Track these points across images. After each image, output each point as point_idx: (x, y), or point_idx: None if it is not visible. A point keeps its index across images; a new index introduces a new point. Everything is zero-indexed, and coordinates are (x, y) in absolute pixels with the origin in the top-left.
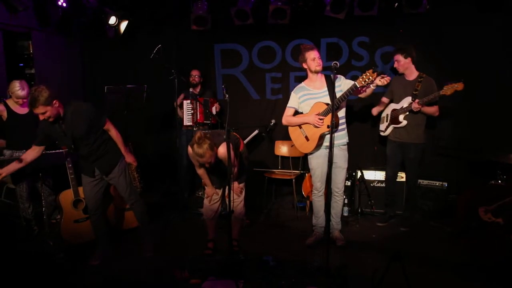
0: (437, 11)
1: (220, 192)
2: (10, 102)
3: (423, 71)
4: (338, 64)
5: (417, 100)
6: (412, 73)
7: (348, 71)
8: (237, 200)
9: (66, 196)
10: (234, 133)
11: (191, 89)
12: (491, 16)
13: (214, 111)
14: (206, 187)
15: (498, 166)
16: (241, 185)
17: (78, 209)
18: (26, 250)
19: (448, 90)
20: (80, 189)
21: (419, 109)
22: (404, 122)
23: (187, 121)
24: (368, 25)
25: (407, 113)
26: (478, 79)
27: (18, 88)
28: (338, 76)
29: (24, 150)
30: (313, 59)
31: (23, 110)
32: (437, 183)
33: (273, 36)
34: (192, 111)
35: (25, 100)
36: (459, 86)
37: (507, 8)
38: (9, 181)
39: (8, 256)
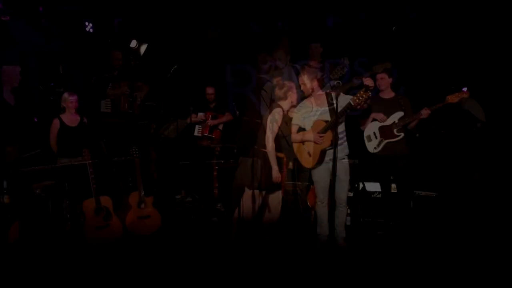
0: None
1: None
2: (63, 116)
3: (420, 78)
4: (340, 83)
5: (425, 108)
6: (389, 92)
7: (349, 91)
8: (277, 207)
9: (89, 204)
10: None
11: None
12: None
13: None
14: (273, 168)
15: None
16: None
17: (99, 216)
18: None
19: (455, 98)
20: (102, 198)
21: (429, 114)
22: (401, 135)
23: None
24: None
25: (400, 127)
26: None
27: (67, 94)
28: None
29: (79, 158)
30: (311, 87)
31: (74, 123)
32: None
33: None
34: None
35: (74, 104)
36: (466, 94)
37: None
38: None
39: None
